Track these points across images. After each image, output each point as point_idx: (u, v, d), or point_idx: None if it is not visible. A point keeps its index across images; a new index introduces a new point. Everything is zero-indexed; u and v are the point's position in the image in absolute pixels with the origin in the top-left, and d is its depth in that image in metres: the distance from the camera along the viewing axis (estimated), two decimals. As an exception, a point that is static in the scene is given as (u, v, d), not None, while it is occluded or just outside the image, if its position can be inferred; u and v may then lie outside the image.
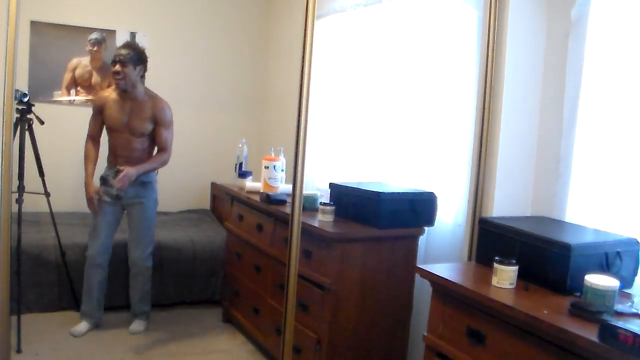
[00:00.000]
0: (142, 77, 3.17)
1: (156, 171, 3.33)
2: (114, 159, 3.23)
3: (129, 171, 3.07)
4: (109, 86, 3.35)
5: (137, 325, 3.35)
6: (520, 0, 2.33)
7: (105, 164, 3.29)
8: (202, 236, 3.98)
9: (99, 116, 3.23)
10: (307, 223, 2.51)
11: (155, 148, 3.30)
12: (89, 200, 3.20)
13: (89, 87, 4.37)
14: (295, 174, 2.09)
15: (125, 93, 3.14)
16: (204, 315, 3.76)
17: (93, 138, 3.26)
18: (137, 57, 3.08)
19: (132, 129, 3.15)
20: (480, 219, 2.22)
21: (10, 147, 1.96)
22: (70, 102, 4.35)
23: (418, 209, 2.59)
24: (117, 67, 3.05)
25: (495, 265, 1.82)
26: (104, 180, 3.27)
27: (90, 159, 3.24)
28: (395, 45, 3.09)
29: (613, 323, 1.38)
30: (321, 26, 3.69)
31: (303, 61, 2.03)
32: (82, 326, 3.27)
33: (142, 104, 3.15)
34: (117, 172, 3.17)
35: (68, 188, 4.26)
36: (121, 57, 3.04)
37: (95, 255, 3.27)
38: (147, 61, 3.17)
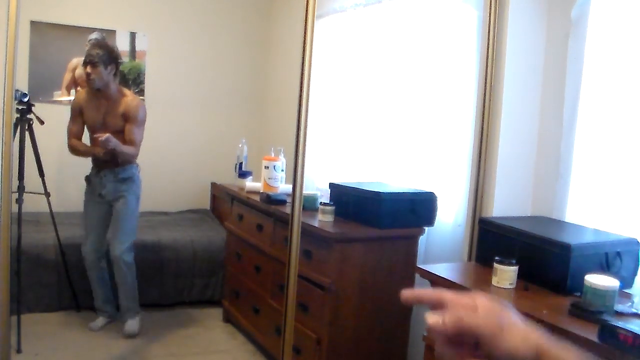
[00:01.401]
0: (115, 75, 3.17)
1: (138, 168, 3.33)
2: (96, 158, 3.26)
3: (111, 138, 3.01)
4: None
5: (129, 326, 3.30)
6: (520, 0, 2.33)
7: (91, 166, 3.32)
8: (202, 236, 3.98)
9: (78, 118, 3.25)
10: (307, 223, 2.51)
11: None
12: (97, 148, 3.14)
13: (89, 87, 4.37)
14: (295, 174, 2.10)
15: (99, 93, 3.16)
16: (204, 315, 3.76)
17: (74, 138, 3.28)
18: (107, 56, 3.08)
19: (107, 127, 3.16)
20: (480, 219, 2.22)
21: (10, 147, 1.96)
22: (70, 102, 4.34)
23: (418, 209, 2.59)
24: (88, 69, 3.06)
25: (495, 265, 1.82)
26: (88, 179, 3.32)
27: (78, 145, 3.25)
28: (395, 45, 3.09)
29: (613, 323, 1.38)
30: (321, 26, 3.69)
31: (303, 61, 2.03)
32: (99, 321, 3.37)
33: (115, 102, 3.17)
34: (99, 172, 3.23)
35: (68, 188, 4.25)
36: (91, 58, 3.04)
37: (88, 253, 3.32)
38: (118, 59, 3.18)
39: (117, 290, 3.37)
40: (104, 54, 3.07)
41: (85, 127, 3.28)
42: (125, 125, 3.18)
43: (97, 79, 3.07)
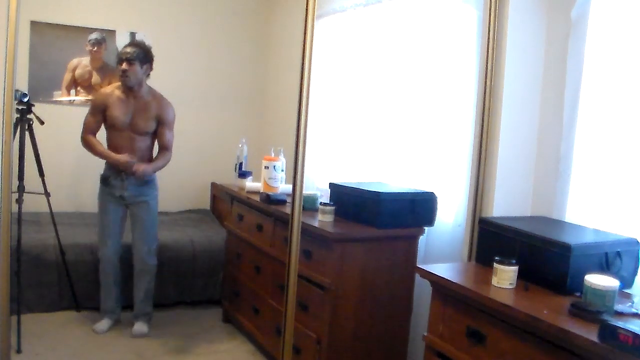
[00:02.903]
0: (147, 76, 3.17)
1: None
2: None
3: (147, 168, 3.10)
4: (109, 84, 3.34)
5: (140, 327, 3.32)
6: (520, 0, 2.33)
7: (105, 164, 3.28)
8: (202, 236, 3.98)
9: (99, 114, 3.19)
10: (307, 223, 2.51)
11: (156, 147, 3.31)
12: (125, 162, 3.11)
13: (89, 87, 4.37)
14: (295, 174, 2.09)
15: (129, 91, 3.14)
16: (204, 315, 3.76)
17: (91, 134, 3.23)
18: (143, 55, 3.09)
19: (136, 127, 3.15)
20: (480, 219, 2.22)
21: (10, 147, 1.96)
22: (70, 102, 4.35)
23: (418, 209, 2.59)
24: (124, 65, 3.05)
25: (495, 265, 1.82)
26: (105, 180, 3.26)
27: (96, 144, 3.20)
28: (395, 45, 3.09)
29: (613, 323, 1.37)
30: (321, 26, 3.69)
31: (303, 61, 2.03)
32: (104, 323, 3.34)
33: (147, 102, 3.16)
34: (120, 173, 3.18)
35: (68, 188, 4.25)
36: (128, 55, 3.05)
37: (109, 254, 3.30)
38: (153, 60, 3.18)
39: (134, 292, 3.35)
40: (140, 52, 3.08)
41: (107, 126, 3.22)
42: (159, 129, 3.19)
43: (132, 76, 3.06)
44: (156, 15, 4.57)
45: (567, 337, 1.46)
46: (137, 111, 3.15)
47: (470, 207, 2.44)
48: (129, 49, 3.08)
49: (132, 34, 4.47)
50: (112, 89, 3.22)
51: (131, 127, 3.16)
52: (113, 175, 3.21)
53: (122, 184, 3.20)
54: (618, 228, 2.00)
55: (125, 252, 3.39)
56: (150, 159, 3.27)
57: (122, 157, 3.12)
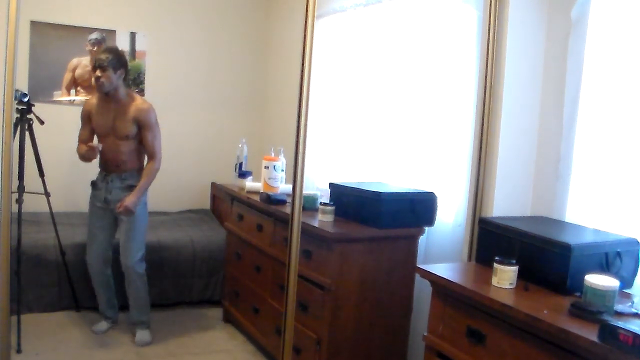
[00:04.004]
0: (125, 79, 3.17)
1: None
2: (104, 163, 3.24)
3: (129, 202, 3.08)
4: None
5: (142, 335, 3.27)
6: (520, 0, 2.33)
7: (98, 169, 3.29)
8: (202, 236, 3.98)
9: (87, 124, 3.23)
10: (307, 223, 2.51)
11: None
12: (82, 153, 3.15)
13: (89, 87, 4.37)
14: (295, 174, 2.09)
15: (108, 97, 3.14)
16: (204, 315, 3.76)
17: (82, 144, 3.24)
18: (116, 60, 3.08)
19: (117, 131, 3.14)
20: (480, 219, 2.22)
21: (10, 147, 1.96)
22: (70, 102, 4.35)
23: (418, 209, 2.59)
24: (98, 72, 3.05)
25: (495, 265, 1.82)
26: (93, 184, 3.28)
27: (80, 147, 3.22)
28: (395, 45, 3.09)
29: (613, 323, 1.38)
30: (321, 26, 3.69)
31: (303, 61, 2.03)
32: (102, 325, 3.35)
33: (125, 106, 3.14)
34: (106, 176, 3.20)
35: (68, 188, 4.26)
36: (101, 62, 3.04)
37: (93, 260, 3.28)
38: (127, 64, 3.17)
39: (129, 300, 3.31)
40: (113, 58, 3.07)
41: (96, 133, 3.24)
42: (142, 133, 3.16)
43: (106, 83, 3.05)
44: (156, 15, 4.57)
45: (567, 337, 1.46)
46: (116, 116, 3.14)
47: (470, 207, 2.44)
48: (102, 56, 3.07)
49: (132, 34, 4.48)
50: (95, 98, 3.24)
51: (113, 132, 3.16)
52: (100, 178, 3.24)
53: (107, 186, 3.19)
54: (618, 228, 2.00)
55: (116, 254, 3.35)
56: (139, 164, 3.24)
57: (89, 149, 3.12)
